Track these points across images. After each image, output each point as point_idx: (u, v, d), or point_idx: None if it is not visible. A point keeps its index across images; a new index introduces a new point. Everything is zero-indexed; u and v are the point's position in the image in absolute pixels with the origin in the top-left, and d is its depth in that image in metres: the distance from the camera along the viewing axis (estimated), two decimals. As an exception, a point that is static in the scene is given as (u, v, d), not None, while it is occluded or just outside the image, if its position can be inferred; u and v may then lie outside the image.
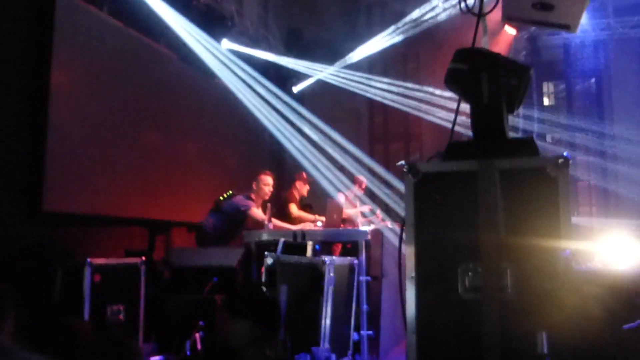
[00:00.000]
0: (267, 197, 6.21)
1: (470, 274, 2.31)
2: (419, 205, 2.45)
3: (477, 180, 2.32)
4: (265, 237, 5.43)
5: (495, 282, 2.25)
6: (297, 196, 7.21)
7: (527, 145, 2.41)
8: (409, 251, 2.46)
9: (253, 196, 6.09)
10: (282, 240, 4.88)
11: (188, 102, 7.49)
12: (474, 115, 2.49)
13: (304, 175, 7.50)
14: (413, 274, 2.42)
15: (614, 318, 1.93)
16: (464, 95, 2.60)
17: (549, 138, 10.66)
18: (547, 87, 11.21)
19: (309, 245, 4.80)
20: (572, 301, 2.10)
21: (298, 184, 7.33)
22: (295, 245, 4.91)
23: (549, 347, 2.05)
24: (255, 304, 2.69)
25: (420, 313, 2.41)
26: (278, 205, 6.99)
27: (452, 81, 2.63)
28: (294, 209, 6.96)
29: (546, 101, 10.95)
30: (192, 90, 7.63)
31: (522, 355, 2.16)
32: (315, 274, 4.27)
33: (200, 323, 4.29)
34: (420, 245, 2.44)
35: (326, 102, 10.26)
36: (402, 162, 2.42)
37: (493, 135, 2.44)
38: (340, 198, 7.49)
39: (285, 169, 9.77)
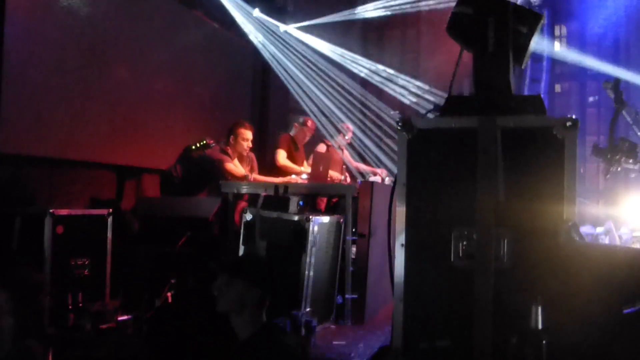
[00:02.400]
0: (245, 153, 6.07)
1: (464, 240, 2.33)
2: (412, 163, 2.44)
3: (477, 139, 2.31)
4: (244, 188, 5.41)
5: (490, 250, 2.27)
6: (297, 142, 6.90)
7: (533, 102, 2.40)
8: (399, 213, 2.46)
9: (229, 150, 5.95)
10: (262, 193, 4.88)
11: (161, 33, 7.30)
12: (476, 66, 2.46)
13: (309, 122, 7.05)
14: (403, 238, 2.44)
15: (616, 298, 1.97)
16: (466, 43, 2.55)
17: (558, 88, 10.61)
18: (560, 29, 11.06)
19: (292, 200, 4.79)
20: (572, 275, 2.13)
21: (297, 128, 6.96)
22: (277, 199, 4.90)
23: (544, 322, 2.09)
24: (252, 263, 2.69)
25: (409, 280, 2.44)
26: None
27: (454, 27, 2.59)
28: (281, 156, 6.65)
29: (557, 46, 10.83)
30: (165, 20, 7.44)
31: (516, 329, 2.21)
32: (298, 231, 4.29)
33: (172, 280, 4.33)
34: (412, 208, 2.44)
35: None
36: (396, 113, 2.41)
37: (497, 89, 2.42)
38: (322, 148, 7.20)
39: (269, 113, 9.66)
